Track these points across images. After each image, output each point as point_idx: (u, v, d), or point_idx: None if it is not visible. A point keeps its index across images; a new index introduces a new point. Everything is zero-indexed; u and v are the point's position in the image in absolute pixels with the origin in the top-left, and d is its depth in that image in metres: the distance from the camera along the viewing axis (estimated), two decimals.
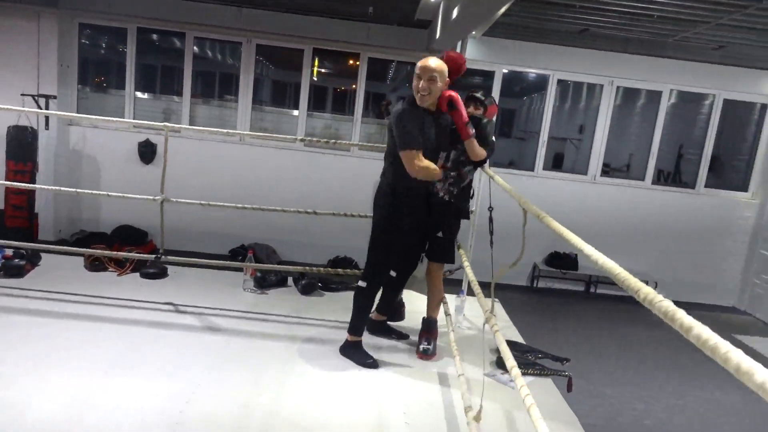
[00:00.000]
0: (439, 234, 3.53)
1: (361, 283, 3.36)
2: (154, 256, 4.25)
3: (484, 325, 2.65)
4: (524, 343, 3.93)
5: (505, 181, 2.95)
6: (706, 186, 7.84)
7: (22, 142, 6.74)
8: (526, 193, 2.40)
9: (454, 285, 4.45)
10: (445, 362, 3.46)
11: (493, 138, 3.61)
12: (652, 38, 6.18)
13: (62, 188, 5.30)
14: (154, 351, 3.25)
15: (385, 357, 3.45)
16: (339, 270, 4.52)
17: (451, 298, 4.16)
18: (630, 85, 7.70)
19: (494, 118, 3.80)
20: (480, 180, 4.05)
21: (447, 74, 3.20)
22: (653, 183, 7.84)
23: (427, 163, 3.16)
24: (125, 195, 4.47)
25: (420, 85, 3.12)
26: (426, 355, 3.50)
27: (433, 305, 3.63)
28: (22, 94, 6.85)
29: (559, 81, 7.63)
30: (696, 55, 6.93)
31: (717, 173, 8.03)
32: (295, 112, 7.69)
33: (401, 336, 3.76)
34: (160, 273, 4.47)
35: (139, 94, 7.67)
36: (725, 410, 4.78)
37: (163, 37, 7.94)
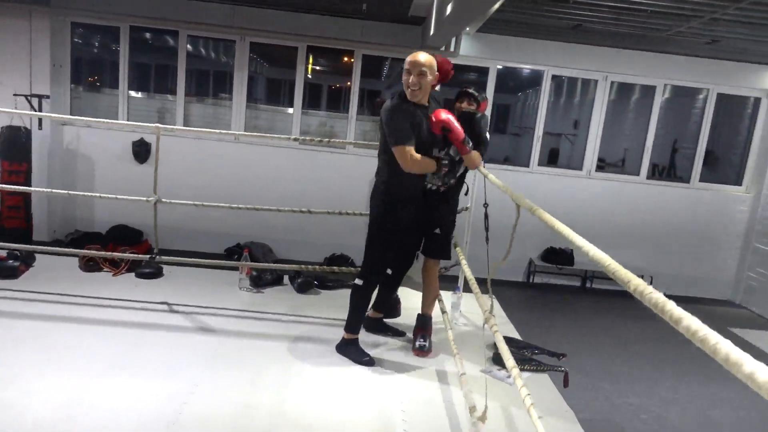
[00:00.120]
0: (437, 231, 3.53)
1: (358, 281, 3.36)
2: (148, 256, 4.24)
3: (483, 324, 2.66)
4: (520, 339, 3.94)
5: (501, 178, 2.95)
6: (700, 180, 7.86)
7: (17, 142, 6.70)
8: (521, 188, 2.40)
9: (451, 281, 4.45)
10: (441, 359, 3.47)
11: (487, 134, 3.61)
12: (646, 33, 6.18)
13: (54, 191, 5.28)
14: (150, 351, 3.25)
15: (382, 354, 3.46)
16: (335, 268, 4.52)
17: (447, 295, 4.17)
18: (624, 80, 7.70)
19: (487, 113, 3.80)
20: (475, 177, 4.05)
21: (436, 68, 3.19)
22: (648, 178, 7.85)
23: (420, 157, 3.14)
24: (118, 197, 4.44)
25: (410, 80, 3.12)
26: (422, 351, 3.50)
27: (428, 302, 3.64)
28: (14, 94, 6.81)
29: (554, 77, 7.63)
30: (690, 49, 6.94)
31: (711, 167, 8.06)
32: (290, 110, 7.67)
33: (397, 333, 3.76)
34: (155, 273, 4.46)
35: (132, 93, 7.64)
36: (721, 403, 4.80)
37: (156, 35, 7.90)
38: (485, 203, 3.61)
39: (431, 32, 6.22)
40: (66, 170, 7.34)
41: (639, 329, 6.35)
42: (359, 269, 3.47)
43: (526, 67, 7.94)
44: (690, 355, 5.51)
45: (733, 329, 6.40)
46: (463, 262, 3.57)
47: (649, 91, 7.70)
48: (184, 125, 7.48)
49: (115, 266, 4.46)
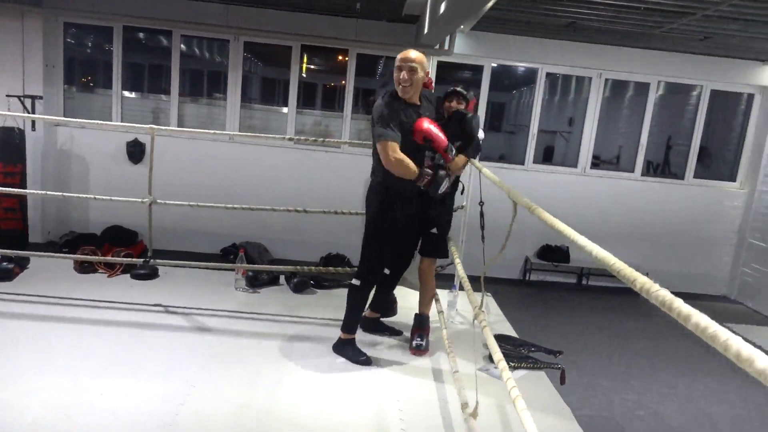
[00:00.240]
0: (433, 230, 3.53)
1: (355, 281, 3.36)
2: (142, 260, 4.22)
3: (474, 321, 2.66)
4: (517, 336, 3.94)
5: (496, 175, 2.94)
6: (695, 177, 7.89)
7: (11, 143, 6.66)
8: (517, 186, 2.39)
9: (447, 280, 4.45)
10: (438, 358, 3.47)
11: (482, 132, 3.61)
12: (640, 30, 6.18)
13: (49, 192, 5.26)
14: (146, 352, 3.24)
15: (379, 354, 3.46)
16: (331, 268, 4.51)
17: (443, 293, 4.17)
18: (618, 77, 7.72)
19: (481, 113, 3.80)
20: (470, 175, 4.05)
21: (426, 65, 3.19)
22: (642, 175, 7.88)
23: (402, 156, 3.09)
24: (113, 198, 4.43)
25: (401, 77, 3.12)
26: (419, 350, 3.50)
27: (425, 301, 3.64)
28: (7, 95, 6.78)
29: (548, 74, 7.64)
30: (683, 46, 6.95)
31: (705, 164, 8.08)
32: (285, 109, 7.66)
33: (394, 333, 3.76)
34: (150, 274, 4.45)
35: (126, 94, 7.61)
36: (718, 399, 4.82)
37: (149, 35, 7.86)
38: (481, 201, 3.62)
39: (425, 31, 6.22)
40: (60, 171, 7.30)
41: (636, 326, 6.37)
42: (356, 269, 3.47)
43: (521, 65, 7.94)
44: (687, 352, 5.54)
45: (729, 325, 6.42)
46: (457, 260, 3.57)
47: (643, 88, 7.72)
48: (178, 125, 7.45)
49: (111, 267, 4.45)
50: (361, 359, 3.32)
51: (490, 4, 4.15)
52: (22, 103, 6.85)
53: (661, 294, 1.14)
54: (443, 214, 3.58)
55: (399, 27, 7.14)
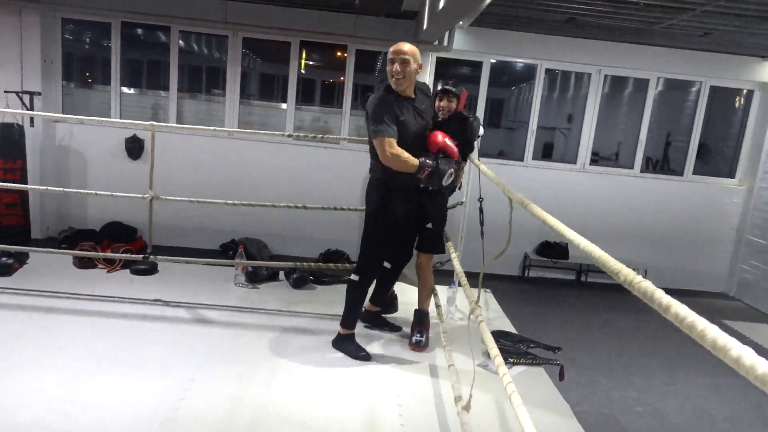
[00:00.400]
0: (428, 226, 3.52)
1: (354, 277, 3.36)
2: (142, 256, 4.22)
3: (469, 315, 2.66)
4: (516, 332, 3.94)
5: (495, 172, 2.94)
6: (694, 173, 7.89)
7: (10, 139, 6.65)
8: (516, 183, 2.40)
9: (447, 276, 4.46)
10: (437, 353, 3.47)
11: (480, 130, 3.60)
12: (639, 26, 6.18)
13: (50, 188, 5.26)
14: (145, 348, 3.24)
15: (378, 349, 3.46)
16: (331, 264, 4.51)
17: (443, 289, 4.18)
18: (617, 73, 7.71)
19: (476, 113, 3.79)
20: (470, 171, 4.05)
21: (420, 57, 3.18)
22: (642, 171, 7.87)
23: (400, 151, 3.08)
24: (114, 194, 4.43)
25: (394, 69, 3.10)
26: (419, 346, 3.51)
27: (423, 296, 3.64)
28: (5, 91, 6.77)
29: (547, 70, 7.63)
30: (682, 42, 6.95)
31: (704, 160, 8.09)
32: (284, 106, 7.65)
33: (394, 328, 3.76)
34: (150, 269, 4.44)
35: (125, 90, 7.59)
36: (717, 395, 4.83)
37: (147, 31, 7.85)
38: (480, 197, 3.61)
39: (424, 26, 6.21)
40: (58, 167, 7.29)
41: (634, 322, 6.38)
42: (355, 265, 3.47)
43: (520, 61, 7.94)
44: (685, 348, 5.54)
45: (727, 321, 6.44)
46: (453, 255, 3.57)
47: (642, 84, 7.71)
48: (177, 121, 7.44)
49: (110, 263, 4.45)
50: (361, 355, 3.32)
51: (489, 0, 4.14)
52: (21, 99, 6.84)
53: (644, 285, 1.17)
54: (437, 210, 3.56)
55: (398, 23, 7.13)
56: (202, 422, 2.57)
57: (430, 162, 3.12)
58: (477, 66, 7.54)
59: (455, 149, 3.24)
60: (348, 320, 3.41)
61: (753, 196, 7.79)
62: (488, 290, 4.66)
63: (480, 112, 7.48)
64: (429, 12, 5.98)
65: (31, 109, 6.84)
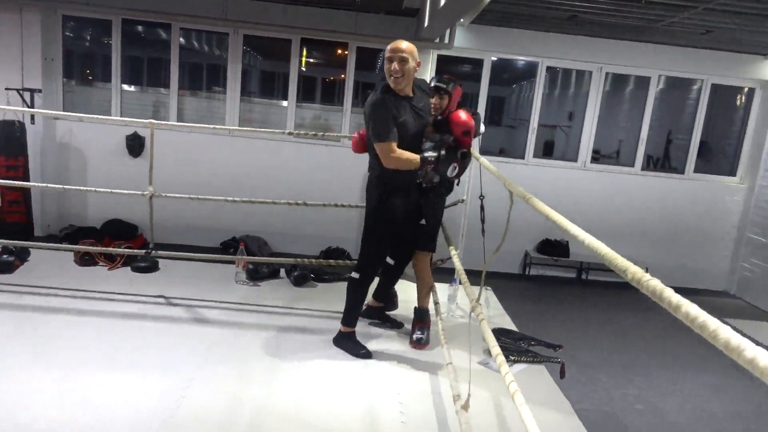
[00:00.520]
0: (422, 222, 3.51)
1: (354, 275, 3.36)
2: (144, 251, 4.22)
3: (470, 313, 2.66)
4: (517, 330, 3.94)
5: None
6: (695, 171, 7.87)
7: (11, 136, 6.66)
8: (517, 180, 2.38)
9: (448, 274, 4.45)
10: (438, 351, 3.46)
11: (481, 127, 3.59)
12: (641, 23, 6.16)
13: (51, 185, 5.25)
14: (146, 345, 3.24)
15: (379, 347, 3.46)
16: (331, 261, 4.51)
17: (444, 287, 4.17)
18: (619, 71, 7.70)
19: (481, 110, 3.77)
20: (471, 169, 4.04)
21: (418, 55, 3.15)
22: (643, 169, 7.86)
23: (400, 153, 3.06)
24: (115, 191, 4.43)
25: (392, 68, 3.06)
26: (419, 344, 3.51)
27: (422, 294, 3.63)
28: (6, 89, 6.76)
29: (549, 68, 7.62)
30: (684, 40, 6.93)
31: (705, 158, 8.07)
32: (284, 103, 7.64)
33: (396, 325, 3.77)
34: (151, 267, 4.45)
35: (125, 87, 7.58)
36: (718, 394, 4.82)
37: (148, 28, 7.84)
38: (481, 195, 3.61)
39: (425, 24, 6.20)
40: (59, 165, 7.29)
41: (635, 320, 6.38)
42: (355, 262, 3.47)
43: (521, 59, 7.92)
44: (687, 346, 5.54)
45: (729, 320, 6.43)
46: (453, 252, 3.57)
47: (643, 82, 7.70)
48: (177, 119, 7.44)
49: (111, 260, 4.45)
50: (362, 352, 3.32)
51: None
52: (21, 96, 6.83)
53: (652, 284, 1.14)
54: (431, 207, 3.54)
55: (399, 20, 7.11)
56: (202, 421, 2.57)
57: (432, 155, 3.07)
58: (478, 64, 7.52)
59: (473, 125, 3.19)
60: (349, 318, 3.41)
61: (754, 194, 7.78)
62: (489, 288, 4.66)
63: (481, 110, 7.47)
64: (430, 9, 5.97)
65: (32, 106, 6.84)
